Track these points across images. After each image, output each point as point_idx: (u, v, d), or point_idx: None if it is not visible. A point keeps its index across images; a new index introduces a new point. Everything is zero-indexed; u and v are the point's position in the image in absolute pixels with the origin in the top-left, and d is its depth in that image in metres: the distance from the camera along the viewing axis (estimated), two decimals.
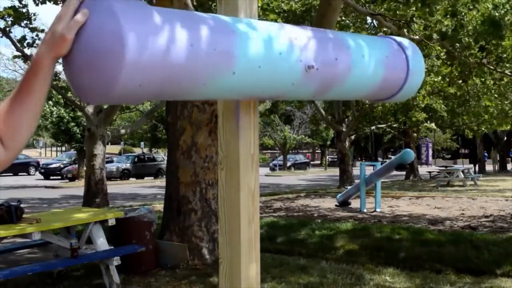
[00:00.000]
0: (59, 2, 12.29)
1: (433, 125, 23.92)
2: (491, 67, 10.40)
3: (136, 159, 29.07)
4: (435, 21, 9.32)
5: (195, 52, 1.16)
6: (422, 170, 28.89)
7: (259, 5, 10.08)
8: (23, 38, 13.53)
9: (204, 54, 1.18)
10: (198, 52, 1.17)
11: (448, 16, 8.99)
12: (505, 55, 9.80)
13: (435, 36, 9.40)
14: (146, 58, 1.06)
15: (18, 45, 13.38)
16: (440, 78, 13.94)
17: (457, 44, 9.43)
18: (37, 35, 13.71)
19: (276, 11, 11.10)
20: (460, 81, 11.93)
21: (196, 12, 1.37)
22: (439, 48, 10.35)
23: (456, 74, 11.66)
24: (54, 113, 26.13)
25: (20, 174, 30.82)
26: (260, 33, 1.34)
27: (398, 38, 1.81)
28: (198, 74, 1.19)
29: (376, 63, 1.64)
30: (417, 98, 17.41)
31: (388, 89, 1.75)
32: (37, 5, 12.17)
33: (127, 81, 1.05)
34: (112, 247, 5.28)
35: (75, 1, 1.08)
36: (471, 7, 9.17)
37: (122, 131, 15.17)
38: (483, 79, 11.68)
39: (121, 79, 1.03)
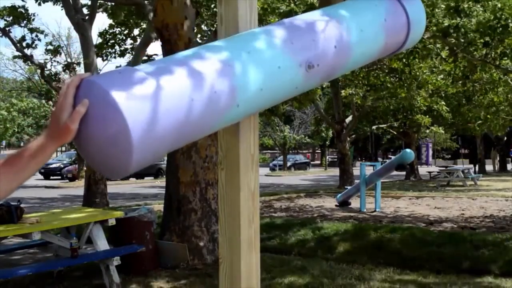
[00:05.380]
0: (59, 3, 12.29)
1: (440, 129, 23.67)
2: (495, 63, 10.33)
3: None
4: (435, 20, 9.27)
5: (197, 104, 1.14)
6: (422, 170, 28.88)
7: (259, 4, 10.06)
8: (23, 38, 13.57)
9: (206, 102, 1.16)
10: (199, 102, 1.15)
11: (452, 11, 8.92)
12: (508, 51, 9.69)
13: (435, 29, 9.32)
14: (152, 133, 1.06)
15: (18, 45, 13.41)
16: (442, 76, 13.82)
17: (462, 40, 9.35)
18: (36, 36, 13.75)
19: (280, 10, 11.06)
20: (464, 78, 11.83)
21: (184, 52, 1.30)
22: (440, 45, 10.29)
23: (459, 71, 11.59)
24: None
25: None
26: (254, 53, 1.29)
27: None
28: (204, 121, 1.19)
29: (375, 31, 1.58)
30: (419, 101, 17.22)
31: (390, 49, 1.71)
32: (39, 4, 12.18)
33: (140, 157, 1.08)
34: (112, 247, 5.28)
35: (72, 89, 1.09)
36: (473, 3, 9.07)
37: None
38: (488, 74, 11.55)
39: (133, 159, 1.06)
